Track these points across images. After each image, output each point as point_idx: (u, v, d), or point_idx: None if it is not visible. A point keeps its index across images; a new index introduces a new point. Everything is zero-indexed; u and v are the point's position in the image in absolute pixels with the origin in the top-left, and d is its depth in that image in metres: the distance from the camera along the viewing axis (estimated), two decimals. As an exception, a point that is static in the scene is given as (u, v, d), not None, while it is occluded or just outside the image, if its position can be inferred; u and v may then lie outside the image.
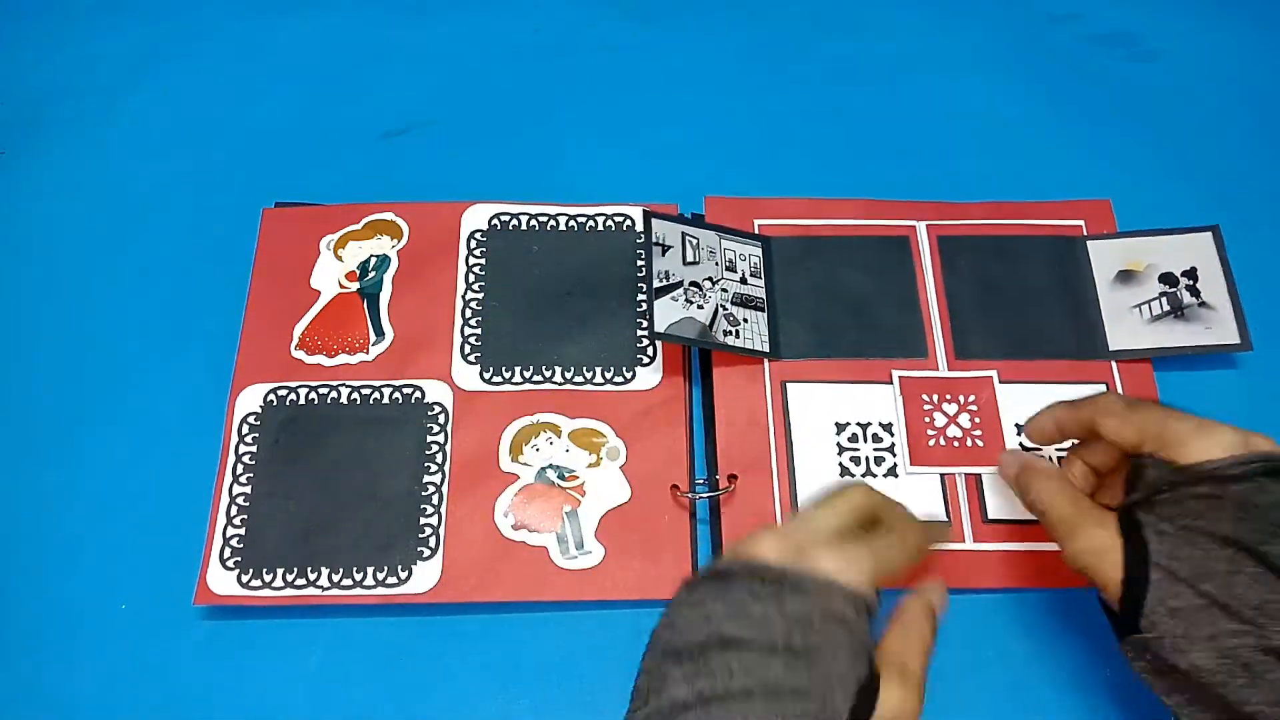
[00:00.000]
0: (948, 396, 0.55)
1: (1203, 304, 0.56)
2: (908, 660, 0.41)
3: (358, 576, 0.50)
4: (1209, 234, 0.58)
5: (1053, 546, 0.50)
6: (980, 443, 0.53)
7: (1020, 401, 0.54)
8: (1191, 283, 0.57)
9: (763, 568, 0.39)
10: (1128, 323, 0.56)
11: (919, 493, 0.52)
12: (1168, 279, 0.57)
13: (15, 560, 0.52)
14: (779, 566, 0.39)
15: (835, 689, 0.36)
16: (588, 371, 0.55)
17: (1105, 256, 0.58)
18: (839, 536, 0.42)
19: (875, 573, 0.41)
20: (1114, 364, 0.55)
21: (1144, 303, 0.57)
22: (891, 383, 0.55)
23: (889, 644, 0.41)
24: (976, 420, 0.54)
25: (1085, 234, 0.59)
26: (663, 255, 0.55)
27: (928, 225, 0.59)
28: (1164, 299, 0.56)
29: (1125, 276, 0.57)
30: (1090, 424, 0.44)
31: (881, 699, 0.38)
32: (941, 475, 0.53)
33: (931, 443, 0.54)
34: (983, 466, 0.53)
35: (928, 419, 0.54)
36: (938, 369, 0.55)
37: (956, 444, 0.54)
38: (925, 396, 0.55)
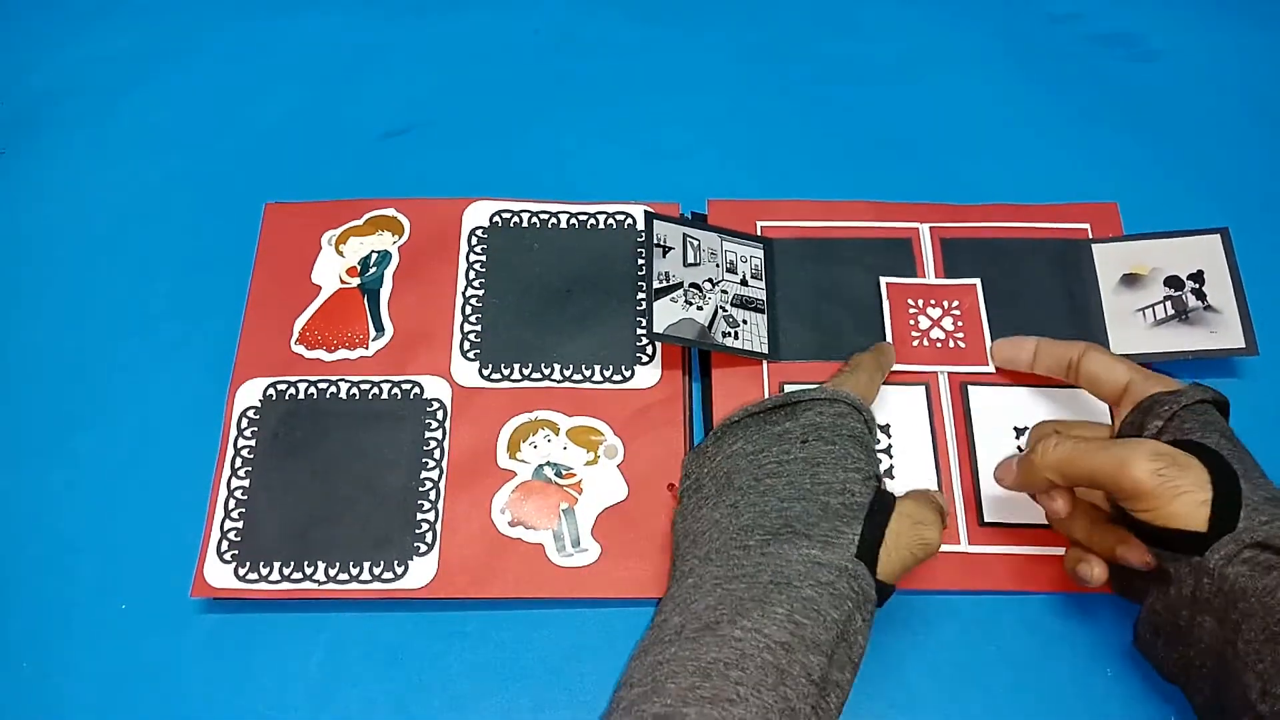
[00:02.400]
0: (932, 301, 0.58)
1: (1208, 308, 0.57)
2: (918, 496, 0.47)
3: (354, 571, 0.51)
4: (1217, 236, 0.58)
5: (1050, 550, 0.52)
6: (963, 345, 0.57)
7: (1020, 405, 0.56)
8: (1197, 286, 0.58)
9: (771, 399, 0.49)
10: (1131, 327, 0.57)
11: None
12: (1173, 282, 0.58)
13: (14, 554, 0.54)
14: (784, 394, 0.48)
15: (851, 475, 0.45)
16: (586, 369, 0.57)
17: (1110, 259, 0.59)
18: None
19: (869, 388, 0.51)
20: None
21: (1148, 306, 0.58)
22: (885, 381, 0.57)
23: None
24: (960, 324, 0.58)
25: (1090, 237, 0.60)
26: (663, 256, 0.57)
27: (931, 227, 0.61)
28: (1168, 303, 0.58)
29: (1130, 280, 0.59)
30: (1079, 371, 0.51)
31: (899, 503, 0.45)
32: (936, 460, 0.55)
33: (915, 344, 0.57)
34: (965, 365, 0.57)
35: (912, 321, 0.58)
36: (925, 277, 0.60)
37: (939, 345, 0.57)
38: (910, 301, 0.58)
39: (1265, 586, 0.39)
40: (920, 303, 0.58)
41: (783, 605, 0.40)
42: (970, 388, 0.56)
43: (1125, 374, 0.49)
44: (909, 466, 0.55)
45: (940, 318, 0.58)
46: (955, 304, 0.58)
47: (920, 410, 0.56)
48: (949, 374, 0.57)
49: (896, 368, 0.57)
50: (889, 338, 0.58)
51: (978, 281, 0.59)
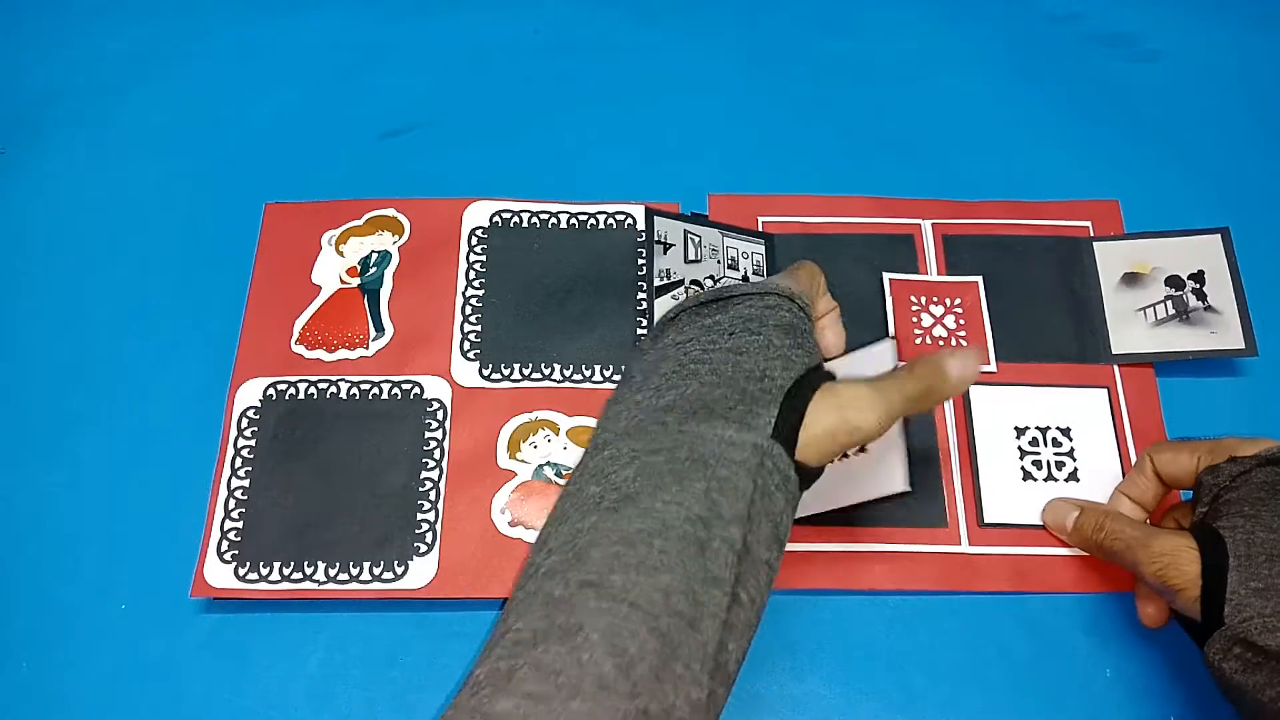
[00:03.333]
0: (934, 298, 0.58)
1: (1209, 308, 0.57)
2: (889, 378, 0.46)
3: (354, 571, 0.52)
4: (1218, 236, 0.59)
5: (1050, 550, 0.53)
6: (964, 343, 0.58)
7: (1020, 404, 0.56)
8: (1198, 286, 0.58)
9: (707, 292, 0.48)
10: (1132, 326, 0.58)
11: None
12: (1174, 282, 0.58)
13: (14, 554, 0.54)
14: (721, 288, 0.48)
15: (773, 363, 0.44)
16: (587, 369, 0.57)
17: (1111, 258, 0.60)
18: None
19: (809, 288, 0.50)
20: (1116, 368, 0.57)
21: (1149, 306, 0.58)
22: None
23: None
24: (961, 322, 0.58)
25: (1092, 235, 0.61)
26: (664, 253, 0.57)
27: (933, 224, 0.61)
28: (1169, 302, 0.58)
29: (1131, 279, 0.59)
30: (1149, 467, 0.50)
31: (827, 387, 0.44)
32: (936, 459, 0.55)
33: (919, 341, 0.57)
34: None
35: (915, 319, 0.58)
36: (927, 275, 0.60)
37: (942, 343, 0.57)
38: (913, 298, 0.58)
39: (1255, 684, 0.40)
40: (923, 300, 0.59)
41: (700, 481, 0.40)
42: (971, 387, 0.56)
43: (1189, 460, 0.48)
44: (912, 466, 0.54)
45: (942, 315, 0.58)
46: (957, 302, 0.59)
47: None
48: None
49: (901, 365, 0.56)
50: (891, 334, 0.58)
51: (980, 279, 0.59)
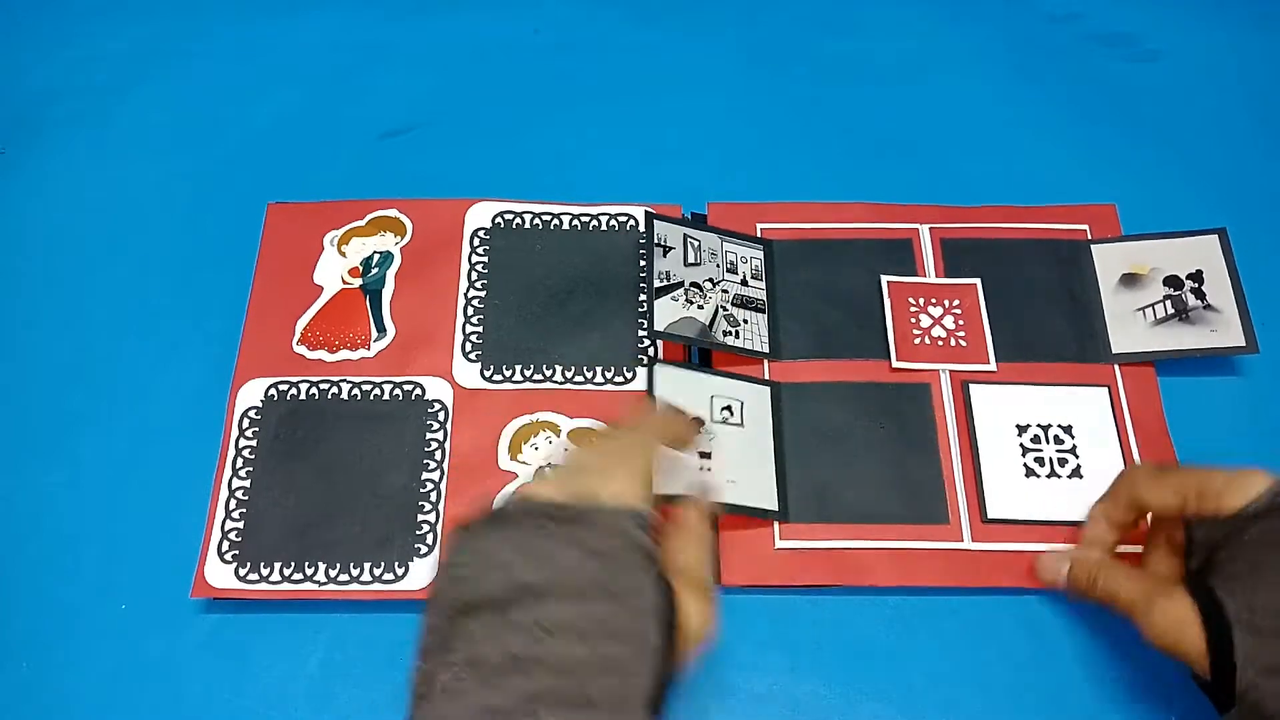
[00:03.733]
0: (933, 300, 0.58)
1: (1208, 307, 0.57)
2: (694, 568, 0.42)
3: (354, 572, 0.52)
4: (1215, 237, 0.59)
5: (1053, 547, 0.52)
6: (964, 343, 0.57)
7: (1021, 402, 0.56)
8: (1197, 285, 0.58)
9: (549, 506, 0.39)
10: (1131, 326, 0.58)
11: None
12: (1172, 282, 0.58)
13: (14, 554, 0.54)
14: (565, 503, 0.39)
15: (650, 621, 0.37)
16: (588, 371, 0.57)
17: (1109, 260, 0.60)
18: (602, 463, 0.42)
19: (647, 483, 0.42)
20: (1116, 367, 0.57)
21: (1148, 306, 0.58)
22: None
23: (675, 556, 0.42)
24: (960, 323, 0.58)
25: (1090, 238, 0.61)
26: (664, 256, 0.57)
27: (931, 228, 0.61)
28: (1168, 302, 0.58)
29: (1130, 280, 0.59)
30: (1132, 500, 0.48)
31: (683, 612, 0.39)
32: (938, 457, 0.55)
33: (917, 341, 0.57)
34: (967, 364, 0.57)
35: (913, 320, 0.58)
36: (925, 277, 0.60)
37: (940, 343, 0.57)
38: (911, 299, 0.58)
39: None
40: (921, 301, 0.59)
41: None
42: (972, 386, 0.57)
43: (1174, 500, 0.46)
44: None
45: (941, 316, 0.58)
46: (956, 303, 0.59)
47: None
48: (950, 372, 0.57)
49: (897, 366, 0.57)
50: (890, 336, 0.58)
51: (978, 281, 0.59)
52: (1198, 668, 0.42)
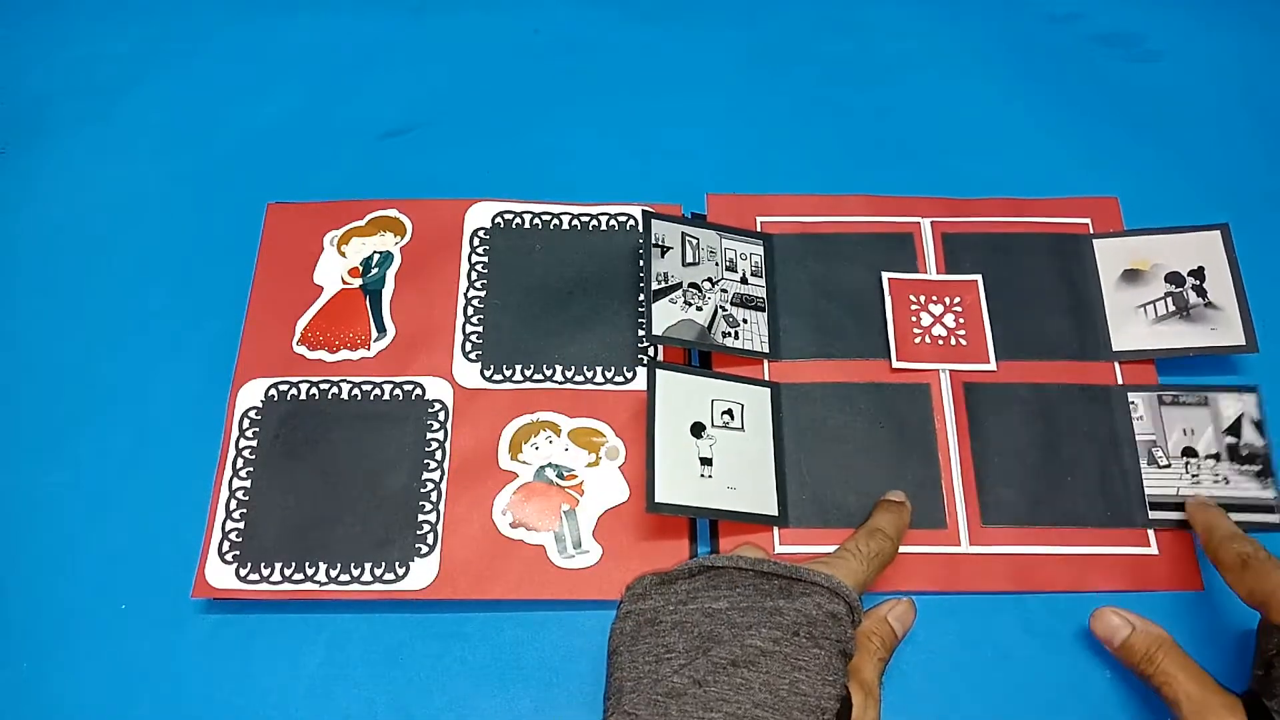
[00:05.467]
0: (934, 297, 0.58)
1: (1209, 304, 0.57)
2: (865, 672, 0.46)
3: (355, 572, 0.52)
4: (1217, 233, 0.59)
5: (1051, 549, 0.53)
6: (964, 342, 0.57)
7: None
8: (1198, 283, 0.58)
9: (770, 563, 0.45)
10: (1132, 323, 0.58)
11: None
12: (1174, 278, 0.58)
13: (14, 554, 0.54)
14: (786, 565, 0.44)
15: (828, 691, 0.41)
16: (588, 370, 0.57)
17: (1111, 255, 0.60)
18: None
19: (864, 580, 0.47)
20: (1117, 365, 0.57)
21: (1149, 303, 0.58)
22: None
23: (861, 661, 0.46)
24: (961, 321, 0.58)
25: (1091, 232, 0.61)
26: (662, 256, 0.57)
27: (932, 222, 0.61)
28: (1169, 299, 0.58)
29: (1131, 276, 0.59)
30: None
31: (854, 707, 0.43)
32: (936, 458, 0.55)
33: (917, 340, 0.57)
34: (967, 363, 0.57)
35: (914, 318, 0.58)
36: (927, 274, 0.60)
37: (941, 342, 0.57)
38: (912, 297, 0.58)
39: None
40: (922, 299, 0.58)
41: None
42: (972, 386, 0.57)
43: (1247, 597, 0.46)
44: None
45: (942, 314, 0.58)
46: (957, 301, 0.58)
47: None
48: (950, 372, 0.57)
49: (897, 366, 0.57)
50: (890, 334, 0.57)
51: (979, 278, 0.59)
52: None
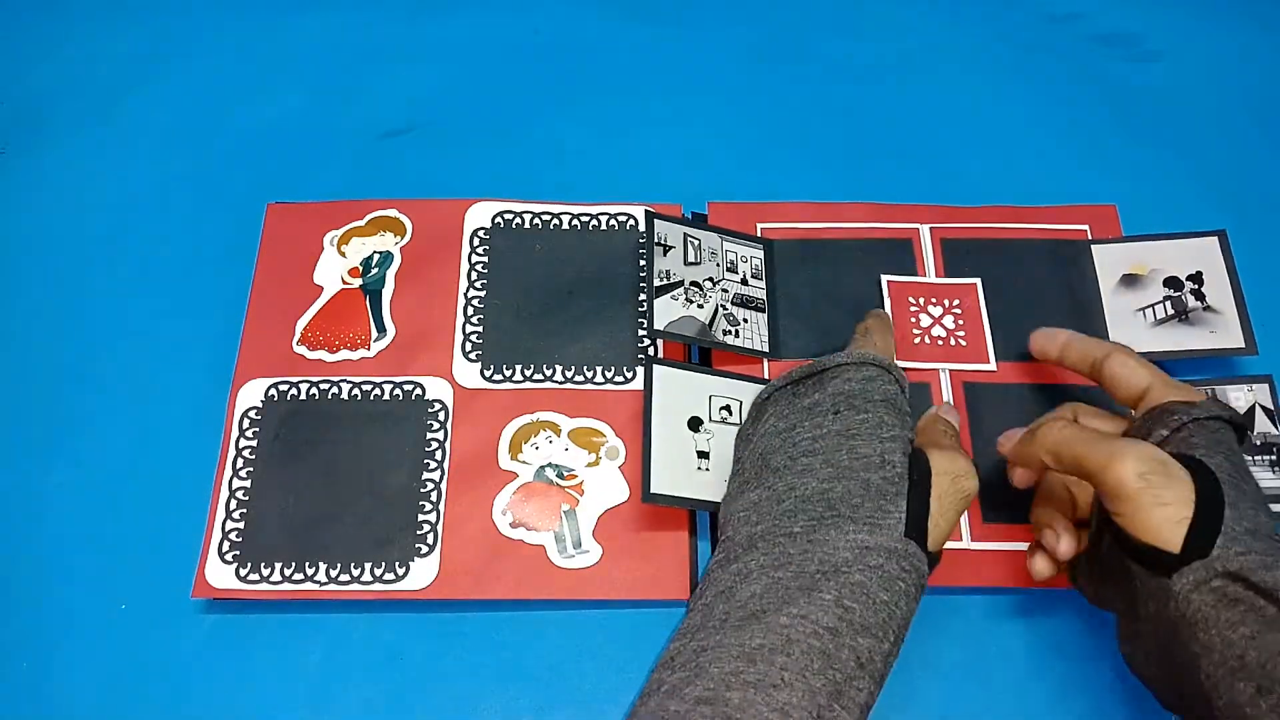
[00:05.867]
0: (933, 299, 0.59)
1: (1207, 308, 0.58)
2: (943, 441, 0.47)
3: (355, 572, 0.52)
4: (1215, 239, 0.59)
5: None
6: (964, 343, 0.58)
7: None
8: (1196, 287, 0.58)
9: (797, 370, 0.49)
10: (1131, 326, 0.58)
11: None
12: (1172, 283, 0.59)
13: (14, 554, 0.54)
14: (812, 363, 0.48)
15: (887, 446, 0.44)
16: (588, 370, 0.57)
17: (1109, 260, 0.60)
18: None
19: (888, 349, 0.51)
20: None
21: (1148, 306, 0.58)
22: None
23: (920, 439, 0.48)
24: (960, 322, 0.58)
25: (1090, 238, 0.61)
26: (664, 255, 0.57)
27: (931, 228, 0.62)
28: (1168, 303, 0.58)
29: (1129, 280, 0.59)
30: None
31: (932, 463, 0.44)
32: None
33: (917, 341, 0.58)
34: (967, 364, 0.57)
35: (913, 319, 0.58)
36: (926, 277, 0.60)
37: (940, 342, 0.58)
38: (911, 299, 0.59)
39: (1228, 620, 0.37)
40: (921, 301, 0.59)
41: (830, 591, 0.40)
42: (972, 386, 0.57)
43: (1146, 378, 0.47)
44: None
45: (941, 316, 0.58)
46: (956, 303, 0.59)
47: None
48: (950, 372, 0.57)
49: (899, 365, 0.57)
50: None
51: (978, 281, 0.60)
52: (1156, 518, 0.39)
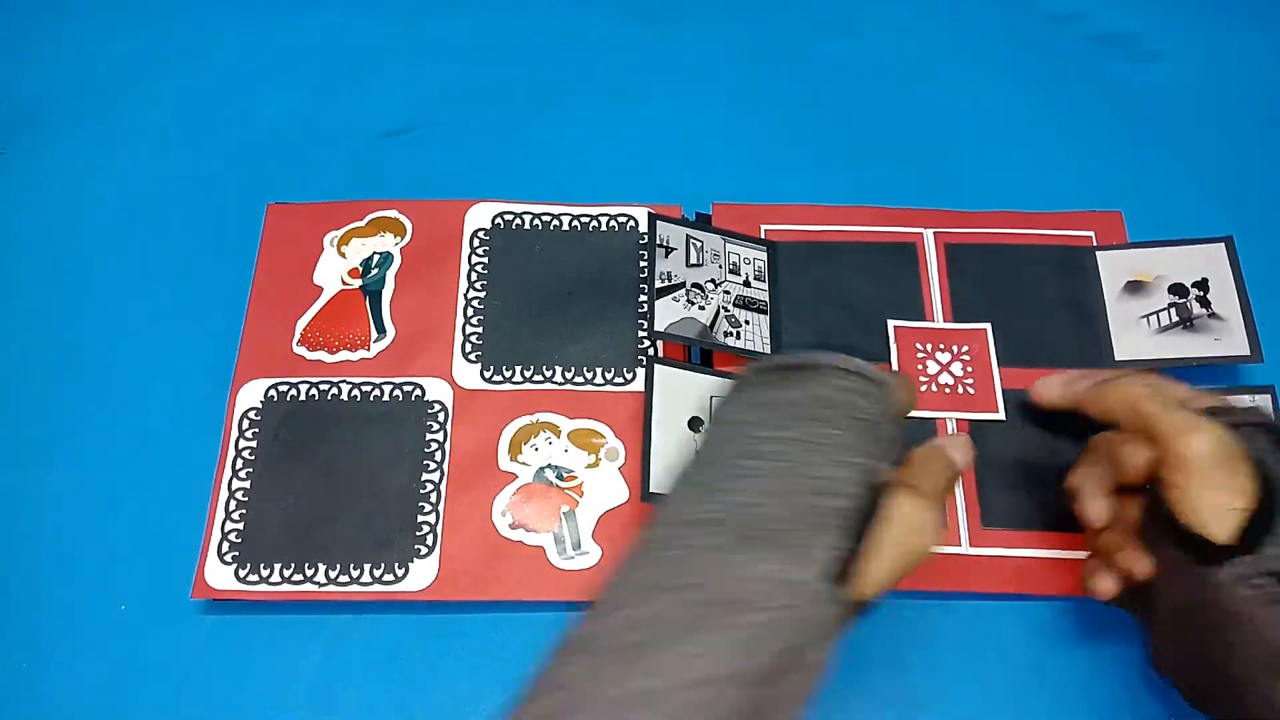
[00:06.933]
0: (941, 345, 0.59)
1: (1213, 315, 0.58)
2: (924, 482, 0.43)
3: (354, 573, 0.53)
4: (1221, 245, 0.59)
5: (1051, 553, 0.53)
6: (972, 391, 0.57)
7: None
8: (1202, 294, 0.59)
9: (777, 357, 0.45)
10: (1135, 333, 0.59)
11: None
12: (1177, 289, 0.59)
13: (14, 554, 0.55)
14: (796, 355, 0.44)
15: (842, 474, 0.40)
16: (588, 372, 0.58)
17: (1114, 267, 0.61)
18: None
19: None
20: None
21: (1152, 313, 0.59)
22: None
23: (902, 474, 0.44)
24: (969, 369, 0.58)
25: (1095, 244, 0.62)
26: (666, 256, 0.58)
27: (935, 233, 0.62)
28: (1173, 309, 0.58)
29: (1134, 287, 0.60)
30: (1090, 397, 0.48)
31: (894, 505, 0.40)
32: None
33: (924, 388, 0.58)
34: (975, 413, 0.57)
35: (920, 366, 0.58)
36: (934, 321, 0.60)
37: (948, 390, 0.58)
38: (919, 345, 0.59)
39: (1265, 619, 0.38)
40: (929, 347, 0.59)
41: (720, 632, 0.36)
42: (979, 429, 0.57)
43: (1183, 389, 0.47)
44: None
45: (949, 363, 0.58)
46: (965, 349, 0.59)
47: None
48: (958, 420, 0.57)
49: None
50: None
51: (988, 326, 0.59)
52: (1209, 504, 0.40)
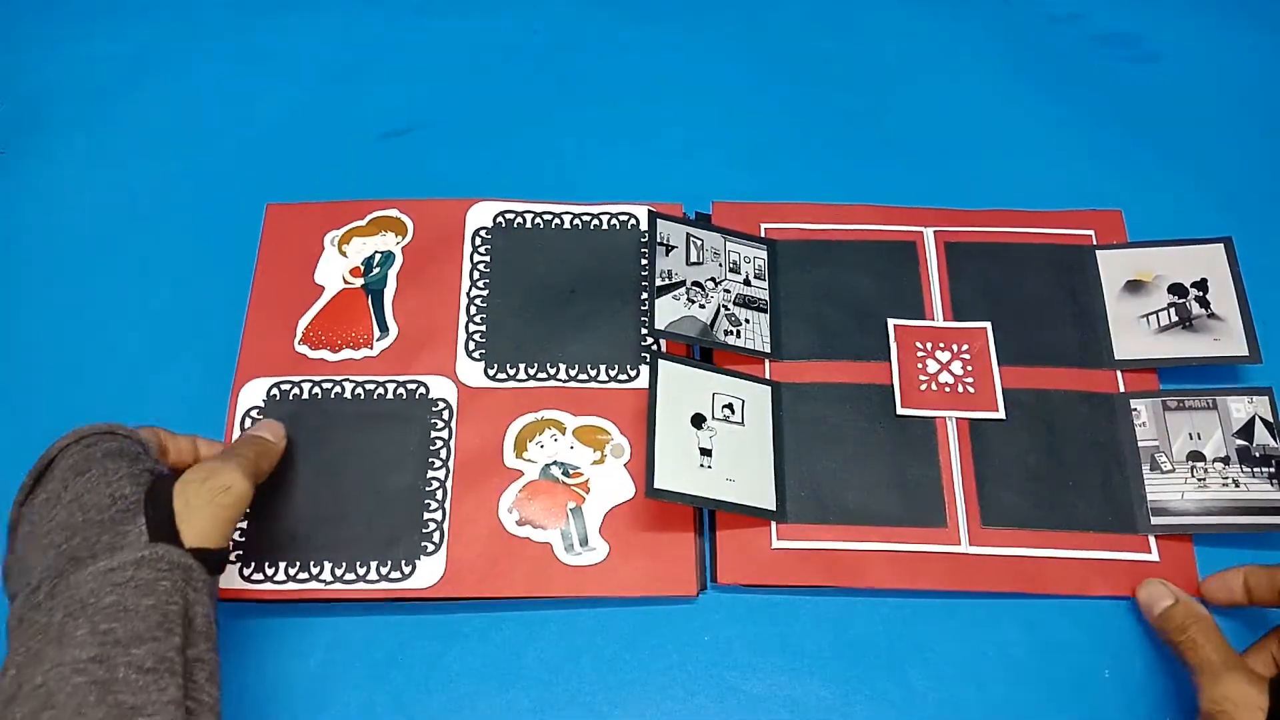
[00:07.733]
0: (940, 344, 0.59)
1: (1212, 315, 0.59)
2: (241, 452, 0.50)
3: (361, 571, 0.53)
4: (1220, 245, 0.60)
5: (1050, 552, 0.54)
6: (972, 389, 0.58)
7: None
8: (1201, 294, 0.59)
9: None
10: (1134, 332, 0.59)
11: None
12: (1177, 289, 0.60)
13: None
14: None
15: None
16: (592, 369, 0.59)
17: (1114, 266, 0.62)
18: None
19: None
20: (1119, 373, 0.59)
21: (1152, 313, 0.60)
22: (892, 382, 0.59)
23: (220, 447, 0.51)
24: (969, 368, 0.59)
25: (1095, 244, 0.63)
26: (666, 255, 0.59)
27: (935, 231, 0.63)
28: (1172, 309, 0.59)
29: (1134, 286, 0.61)
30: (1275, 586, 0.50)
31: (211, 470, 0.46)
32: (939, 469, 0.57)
33: (923, 387, 0.58)
34: (975, 411, 0.58)
35: (920, 364, 0.59)
36: (933, 320, 0.61)
37: (948, 389, 0.58)
38: (919, 343, 0.59)
39: None
40: (929, 345, 0.60)
41: (83, 626, 0.40)
42: (979, 428, 0.58)
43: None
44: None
45: (949, 361, 0.59)
46: (964, 347, 0.60)
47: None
48: (957, 419, 0.58)
49: (904, 412, 0.58)
50: (896, 379, 0.59)
51: (988, 325, 0.60)
52: None
